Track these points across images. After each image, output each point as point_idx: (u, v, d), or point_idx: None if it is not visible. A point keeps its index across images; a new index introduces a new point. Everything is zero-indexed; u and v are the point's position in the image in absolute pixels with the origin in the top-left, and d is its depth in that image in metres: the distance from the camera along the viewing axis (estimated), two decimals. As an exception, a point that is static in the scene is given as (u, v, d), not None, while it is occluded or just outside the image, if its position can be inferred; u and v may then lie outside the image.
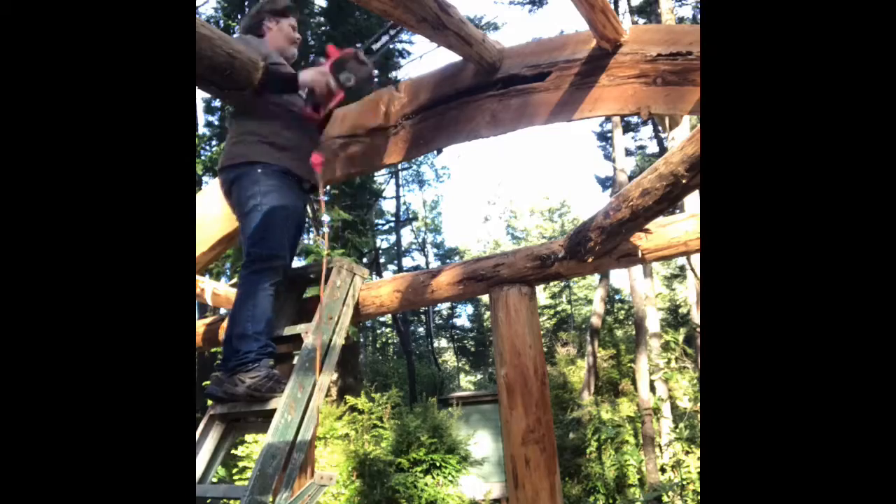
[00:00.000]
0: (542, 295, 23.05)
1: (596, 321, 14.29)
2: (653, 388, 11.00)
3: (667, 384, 11.23)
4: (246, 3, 12.04)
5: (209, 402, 2.47)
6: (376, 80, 2.58)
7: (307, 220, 2.56)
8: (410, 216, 20.57)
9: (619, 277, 20.63)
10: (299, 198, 2.48)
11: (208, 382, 2.46)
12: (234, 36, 2.38)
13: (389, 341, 22.63)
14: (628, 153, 15.46)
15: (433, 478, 8.46)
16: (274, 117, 2.43)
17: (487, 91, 2.50)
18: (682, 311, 19.67)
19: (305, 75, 2.41)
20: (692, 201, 6.93)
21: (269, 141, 2.38)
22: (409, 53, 13.69)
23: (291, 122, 2.49)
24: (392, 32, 2.60)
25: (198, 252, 2.91)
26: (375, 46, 2.61)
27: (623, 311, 19.67)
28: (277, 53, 2.52)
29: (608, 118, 13.97)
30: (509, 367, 2.44)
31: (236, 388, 2.25)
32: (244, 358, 2.26)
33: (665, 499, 8.66)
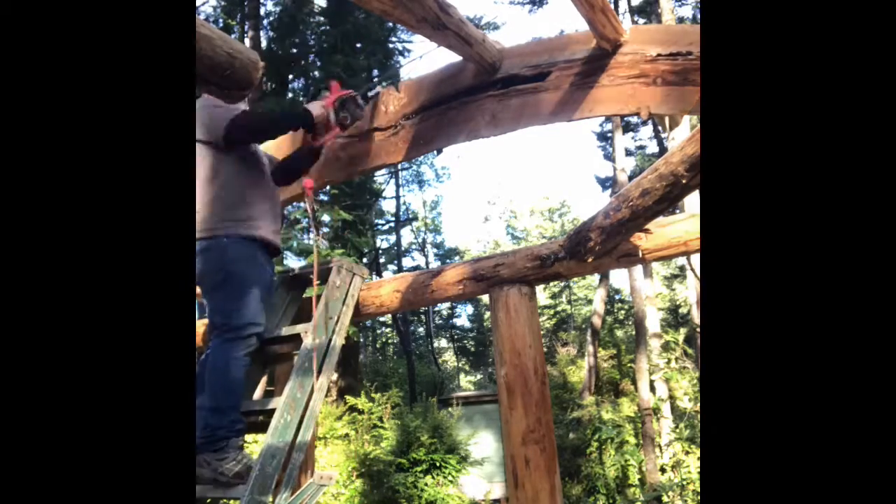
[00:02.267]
0: (542, 295, 23.04)
1: (596, 321, 14.29)
2: (653, 388, 11.00)
3: (667, 384, 11.23)
4: (245, 3, 12.04)
5: None
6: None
7: (308, 219, 2.59)
8: (410, 216, 20.55)
9: (619, 277, 20.65)
10: (267, 263, 2.40)
11: None
12: (206, 99, 2.31)
13: (389, 341, 22.61)
14: (628, 153, 15.45)
15: (433, 478, 8.46)
16: (239, 177, 2.33)
17: (487, 91, 2.50)
18: (682, 311, 19.66)
19: (314, 109, 2.38)
20: (692, 201, 6.93)
21: (234, 209, 2.29)
22: (409, 53, 13.68)
23: (257, 181, 2.40)
24: (384, 84, 2.69)
25: (198, 252, 2.90)
26: (371, 94, 2.65)
27: (623, 311, 19.67)
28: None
29: (608, 118, 13.97)
30: (509, 367, 2.44)
31: (202, 471, 2.09)
32: (213, 435, 2.12)
33: (665, 499, 8.66)
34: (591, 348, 13.86)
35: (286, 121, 2.43)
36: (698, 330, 10.01)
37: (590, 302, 20.86)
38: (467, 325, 24.50)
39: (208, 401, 2.17)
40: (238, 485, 2.06)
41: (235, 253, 2.25)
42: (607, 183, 17.47)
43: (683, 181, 1.75)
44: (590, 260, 2.35)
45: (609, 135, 15.78)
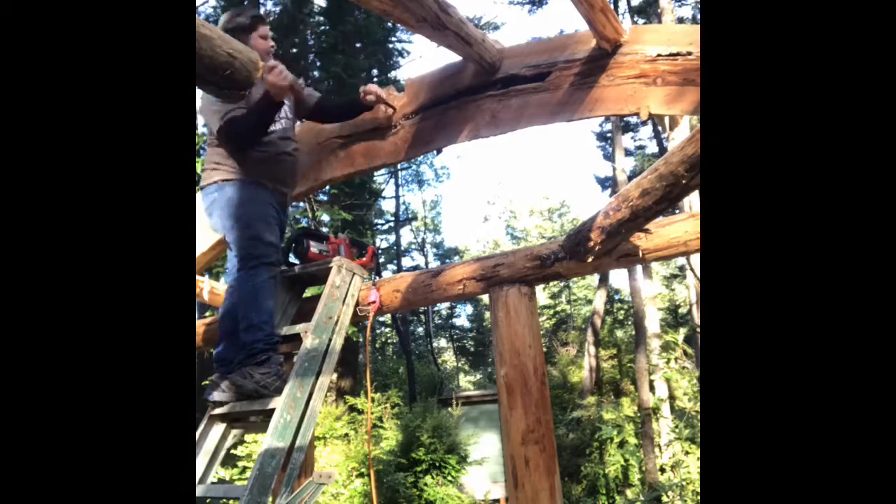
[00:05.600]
0: (542, 295, 23.04)
1: (596, 321, 14.30)
2: (653, 388, 11.00)
3: (667, 384, 11.24)
4: (245, 3, 12.04)
5: (209, 404, 2.47)
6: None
7: (308, 220, 2.62)
8: (410, 216, 20.53)
9: (619, 277, 20.63)
10: (274, 200, 2.55)
11: (208, 382, 2.46)
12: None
13: (389, 341, 22.60)
14: (628, 153, 15.45)
15: (433, 478, 8.46)
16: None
17: (487, 91, 2.50)
18: (682, 311, 19.65)
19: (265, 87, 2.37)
20: (692, 201, 6.93)
21: (240, 159, 2.48)
22: (408, 53, 13.69)
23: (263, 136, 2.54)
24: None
25: (198, 252, 2.90)
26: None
27: (623, 311, 19.66)
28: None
29: (608, 118, 13.97)
30: (509, 367, 2.44)
31: (244, 382, 2.28)
32: (253, 349, 2.31)
33: (665, 499, 8.66)
34: (591, 348, 13.86)
35: (260, 114, 2.41)
36: (698, 330, 10.01)
37: (589, 302, 20.86)
38: (467, 325, 24.49)
39: (242, 322, 2.36)
40: (275, 396, 2.24)
41: (241, 195, 2.44)
42: (607, 183, 17.46)
43: (683, 181, 1.75)
44: (589, 260, 2.35)
45: (609, 135, 15.79)
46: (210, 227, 2.62)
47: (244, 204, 2.45)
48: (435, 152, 3.35)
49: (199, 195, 2.57)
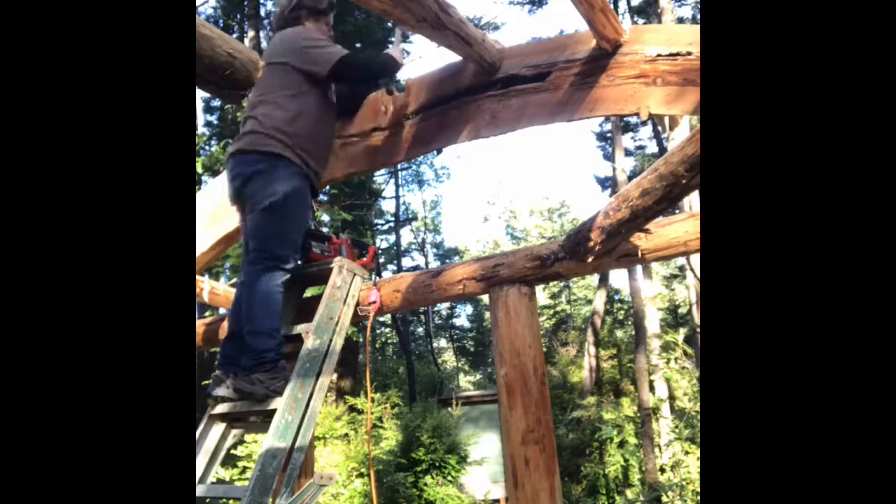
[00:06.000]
0: (542, 295, 23.04)
1: (596, 321, 14.31)
2: (652, 388, 11.01)
3: (667, 384, 11.24)
4: (245, 3, 12.03)
5: (209, 402, 2.47)
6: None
7: (308, 219, 2.60)
8: (410, 216, 20.54)
9: (619, 277, 20.64)
10: (310, 203, 2.53)
11: (208, 382, 2.46)
12: (304, 34, 2.50)
13: (389, 341, 22.60)
14: (628, 153, 15.45)
15: (433, 478, 8.46)
16: (317, 114, 2.48)
17: (487, 91, 2.49)
18: (682, 311, 19.66)
19: (394, 54, 2.59)
20: (692, 201, 6.93)
21: (304, 141, 2.42)
22: (408, 53, 13.69)
23: (328, 125, 2.57)
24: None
25: (198, 252, 2.90)
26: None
27: (623, 311, 19.67)
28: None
29: (608, 118, 13.97)
30: (509, 367, 2.44)
31: (254, 388, 2.24)
32: (263, 357, 2.26)
33: (665, 499, 8.66)
34: (591, 348, 13.87)
35: (376, 66, 2.59)
36: (698, 330, 10.02)
37: (589, 302, 20.86)
38: (467, 325, 24.50)
39: (251, 325, 2.30)
40: (276, 396, 2.23)
41: (290, 184, 2.35)
42: (607, 183, 17.47)
43: (683, 181, 1.75)
44: (589, 260, 2.35)
45: (609, 135, 15.80)
46: (229, 194, 2.45)
47: (292, 196, 2.34)
48: (435, 152, 3.35)
49: (236, 159, 2.38)
